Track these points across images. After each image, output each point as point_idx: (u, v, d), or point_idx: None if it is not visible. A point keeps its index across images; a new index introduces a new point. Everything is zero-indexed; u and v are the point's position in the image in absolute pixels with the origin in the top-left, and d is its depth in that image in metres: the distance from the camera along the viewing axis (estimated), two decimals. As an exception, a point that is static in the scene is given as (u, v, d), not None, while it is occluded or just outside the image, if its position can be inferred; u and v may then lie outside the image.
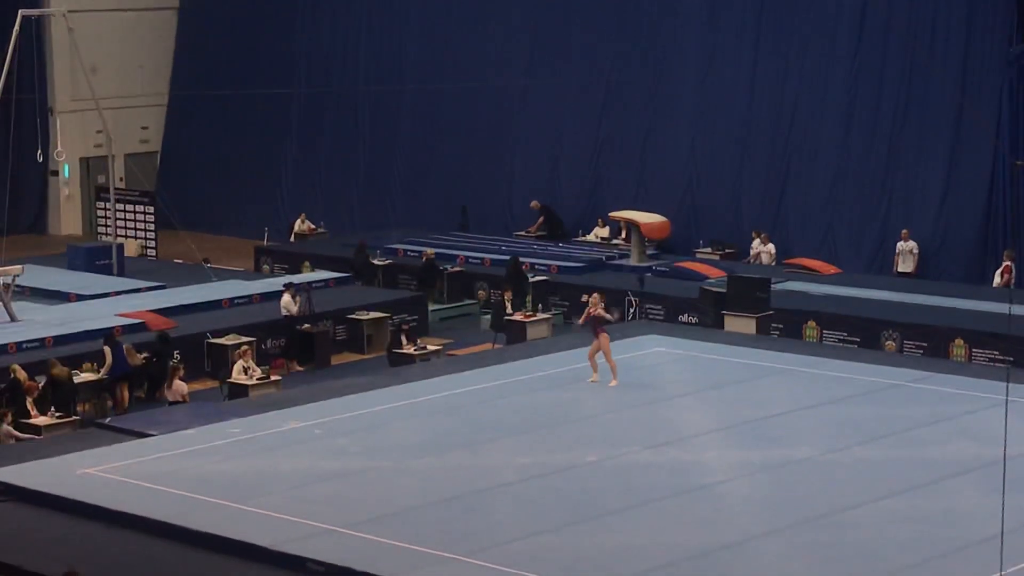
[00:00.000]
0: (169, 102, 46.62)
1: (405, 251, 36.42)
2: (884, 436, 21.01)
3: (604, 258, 34.84)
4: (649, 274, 32.65)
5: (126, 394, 26.15)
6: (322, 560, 16.44)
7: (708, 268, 32.87)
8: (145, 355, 27.12)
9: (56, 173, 44.14)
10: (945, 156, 33.84)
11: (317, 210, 41.59)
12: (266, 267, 37.56)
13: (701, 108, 37.44)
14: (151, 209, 39.52)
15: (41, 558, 17.01)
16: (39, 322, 28.92)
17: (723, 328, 28.51)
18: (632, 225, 34.93)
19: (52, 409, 24.24)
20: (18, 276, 30.23)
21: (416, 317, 31.43)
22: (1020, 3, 32.96)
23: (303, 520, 17.71)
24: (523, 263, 33.41)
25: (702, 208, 37.08)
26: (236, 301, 31.23)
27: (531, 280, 32.92)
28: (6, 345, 26.89)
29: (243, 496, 18.63)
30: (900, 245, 33.53)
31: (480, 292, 34.31)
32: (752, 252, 35.24)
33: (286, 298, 29.64)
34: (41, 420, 23.84)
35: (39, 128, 38.45)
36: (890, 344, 28.20)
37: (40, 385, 24.84)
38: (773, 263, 34.54)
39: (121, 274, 34.70)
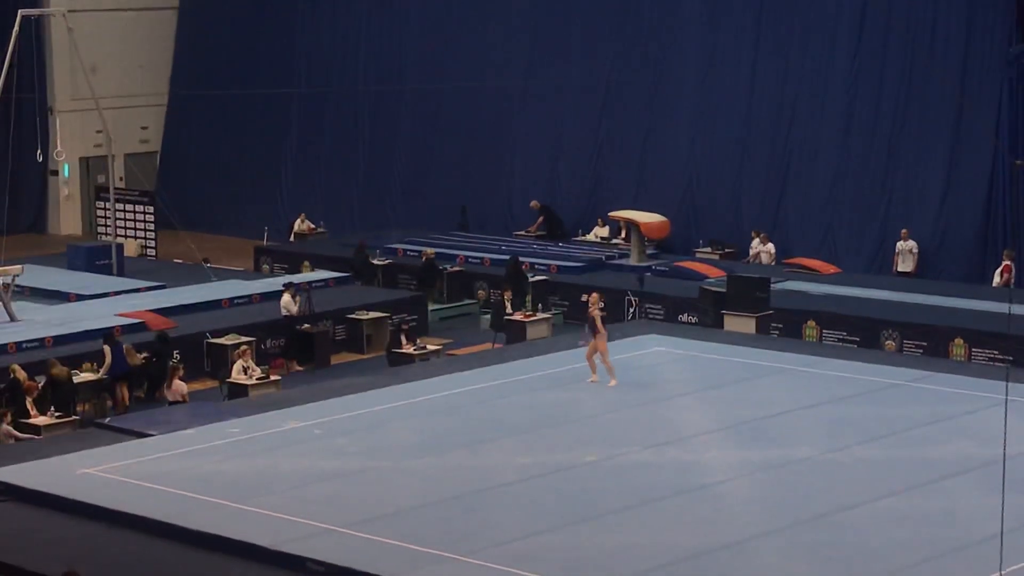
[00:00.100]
0: (169, 102, 46.63)
1: (405, 251, 36.42)
2: (884, 436, 21.01)
3: (604, 258, 34.84)
4: (649, 274, 32.66)
5: (125, 394, 26.14)
6: (322, 560, 16.43)
7: (708, 268, 32.87)
8: (145, 355, 27.12)
9: (56, 173, 44.15)
10: (945, 156, 33.85)
11: (317, 210, 41.59)
12: (266, 267, 37.56)
13: (701, 108, 37.45)
14: (151, 209, 39.51)
15: (41, 558, 17.01)
16: (39, 322, 28.92)
17: (723, 328, 28.51)
18: (632, 225, 34.94)
19: (52, 409, 24.23)
20: (18, 276, 30.24)
21: (416, 317, 31.43)
22: (1020, 3, 32.98)
23: (303, 520, 17.70)
24: (523, 263, 33.41)
25: (702, 208, 37.09)
26: (236, 301, 31.23)
27: (531, 280, 32.92)
28: (6, 345, 26.89)
29: (243, 496, 18.63)
30: (900, 245, 33.53)
31: (480, 292, 34.31)
32: (752, 252, 35.24)
33: (286, 298, 29.64)
34: (41, 420, 23.83)
35: (39, 128, 38.49)
36: (890, 344, 28.20)
37: (40, 385, 24.83)
38: (773, 263, 34.55)
39: (121, 274, 34.70)
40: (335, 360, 29.68)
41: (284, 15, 44.51)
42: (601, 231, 37.73)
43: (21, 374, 24.59)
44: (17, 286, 30.29)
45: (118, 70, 44.62)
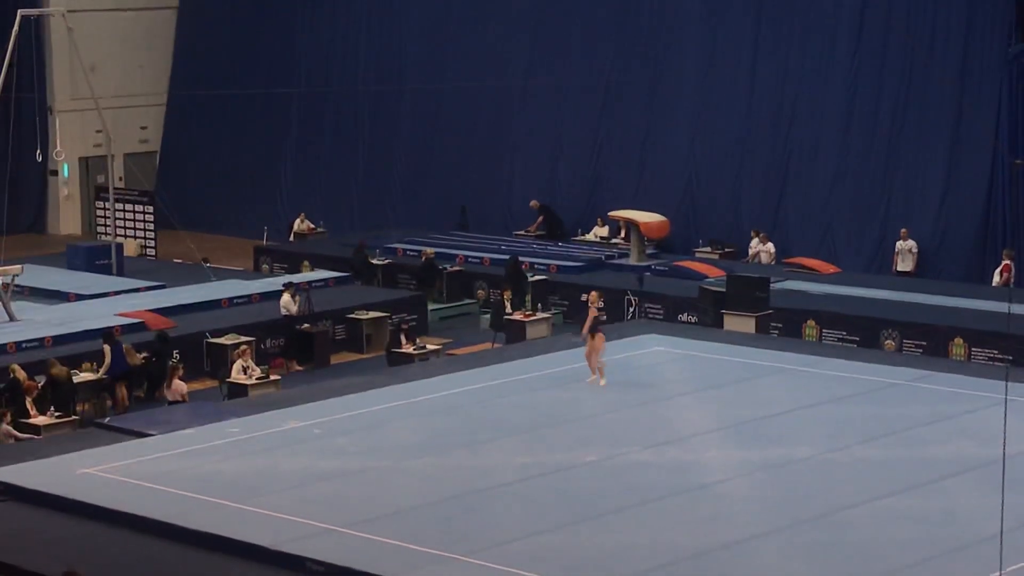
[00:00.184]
0: (168, 102, 46.63)
1: (404, 250, 36.43)
2: (883, 435, 21.00)
3: (603, 257, 34.85)
4: (648, 273, 32.66)
5: (124, 393, 26.12)
6: (322, 560, 16.43)
7: (707, 267, 32.87)
8: (144, 355, 27.12)
9: (55, 173, 44.14)
10: (944, 155, 33.86)
11: (316, 210, 41.59)
12: (265, 267, 37.57)
13: (701, 108, 37.46)
14: (150, 209, 39.52)
15: (41, 558, 17.00)
16: (38, 322, 28.93)
17: (722, 327, 28.50)
18: (631, 224, 34.94)
19: (51, 409, 24.23)
20: (17, 276, 30.26)
21: (415, 317, 31.43)
22: (1020, 3, 33.00)
23: (303, 520, 17.70)
24: (522, 262, 33.41)
25: (701, 207, 37.10)
26: (235, 301, 31.24)
27: (530, 279, 32.93)
28: (5, 345, 26.90)
29: (243, 496, 18.63)
30: (899, 244, 33.54)
31: (479, 291, 34.32)
32: (751, 251, 35.25)
33: (285, 298, 29.65)
34: (40, 420, 23.84)
35: (38, 128, 38.49)
36: (889, 343, 28.21)
37: (39, 385, 24.84)
38: (773, 262, 34.55)
39: (120, 274, 34.72)
40: (335, 360, 29.68)
41: (284, 15, 44.52)
42: (601, 231, 37.74)
43: (21, 374, 24.60)
44: (17, 286, 30.31)
45: (118, 70, 44.64)
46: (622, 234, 36.71)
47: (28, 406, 24.13)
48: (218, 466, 20.01)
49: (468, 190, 40.55)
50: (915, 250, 33.44)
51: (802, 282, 31.91)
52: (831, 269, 33.31)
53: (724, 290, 29.32)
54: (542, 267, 33.96)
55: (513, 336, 29.90)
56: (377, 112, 42.80)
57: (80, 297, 31.59)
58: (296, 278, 32.58)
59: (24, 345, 27.09)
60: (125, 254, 36.41)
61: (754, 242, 35.26)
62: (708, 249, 35.91)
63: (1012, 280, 31.15)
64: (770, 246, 35.02)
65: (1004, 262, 31.41)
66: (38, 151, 35.78)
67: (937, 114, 34.03)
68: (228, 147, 45.29)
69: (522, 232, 38.75)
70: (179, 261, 38.02)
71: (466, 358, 27.16)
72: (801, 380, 24.21)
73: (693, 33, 37.61)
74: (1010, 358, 26.03)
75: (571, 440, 21.03)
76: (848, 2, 35.20)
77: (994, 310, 28.38)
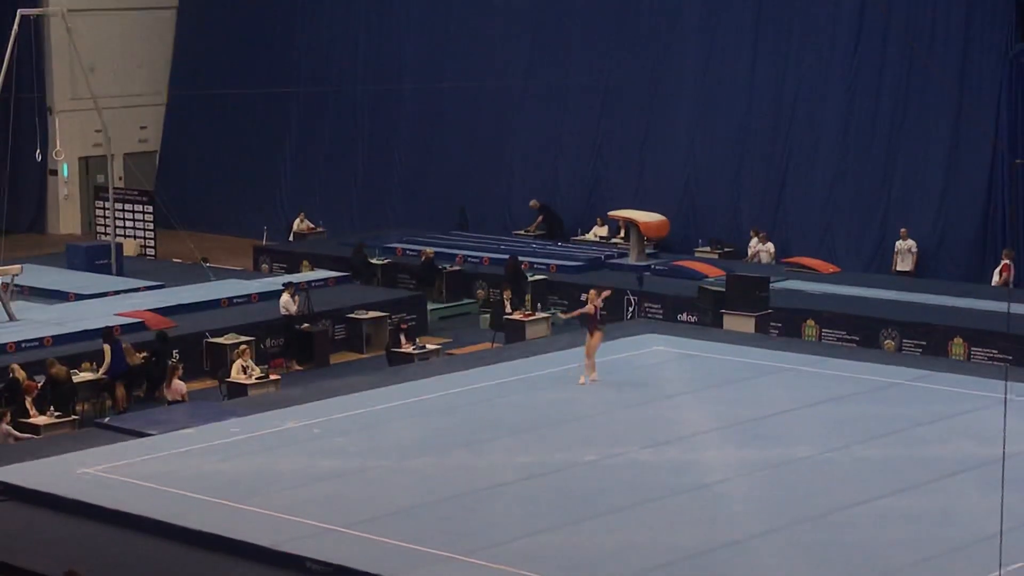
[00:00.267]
0: (168, 101, 46.64)
1: (404, 250, 36.43)
2: (883, 435, 21.01)
3: (603, 257, 34.85)
4: (648, 273, 32.67)
5: (122, 393, 26.10)
6: (322, 560, 16.44)
7: (707, 267, 32.88)
8: (144, 354, 27.12)
9: (55, 172, 44.14)
10: (944, 155, 33.87)
11: (316, 209, 41.58)
12: (265, 266, 37.57)
13: (700, 107, 37.47)
14: (150, 208, 39.52)
15: (41, 558, 17.01)
16: (38, 321, 28.92)
17: (722, 327, 28.51)
18: (631, 224, 34.94)
19: (51, 409, 24.23)
20: (17, 275, 30.26)
21: (415, 316, 31.42)
22: (1020, 3, 33.00)
23: (303, 520, 17.70)
24: (522, 262, 33.42)
25: (701, 207, 37.10)
26: (235, 300, 31.23)
27: (530, 279, 32.93)
28: (5, 344, 26.90)
29: (242, 496, 18.64)
30: (899, 244, 33.55)
31: (479, 291, 34.32)
32: (750, 250, 35.26)
33: (285, 297, 29.64)
34: (40, 420, 23.84)
35: (38, 127, 38.52)
36: (889, 343, 28.21)
37: (39, 385, 24.84)
38: (772, 262, 34.56)
39: (120, 273, 34.71)
40: (334, 360, 29.68)
41: (283, 15, 44.52)
42: (600, 230, 37.75)
43: (20, 374, 24.60)
44: (16, 286, 30.31)
45: (117, 70, 44.63)
46: (622, 234, 36.71)
47: (28, 406, 24.14)
48: (218, 466, 20.01)
49: (468, 190, 40.56)
50: (915, 250, 33.45)
51: (802, 282, 31.92)
52: (831, 269, 33.32)
53: (724, 290, 29.34)
54: (542, 267, 33.97)
55: (512, 336, 29.90)
56: (377, 112, 42.79)
57: (80, 297, 31.59)
58: (296, 278, 32.59)
59: (24, 345, 27.09)
60: (125, 254, 36.39)
61: (753, 242, 35.27)
62: (708, 249, 35.91)
63: (1011, 280, 31.15)
64: (770, 246, 35.03)
65: (1003, 262, 31.42)
66: (38, 151, 35.81)
67: (937, 114, 34.03)
68: (228, 147, 45.28)
69: (522, 232, 38.76)
70: (179, 261, 38.02)
71: (466, 358, 27.17)
72: (801, 380, 24.22)
73: (693, 33, 37.61)
74: (1010, 358, 26.06)
75: (571, 440, 21.04)
76: (847, 2, 35.21)
77: (993, 310, 28.39)
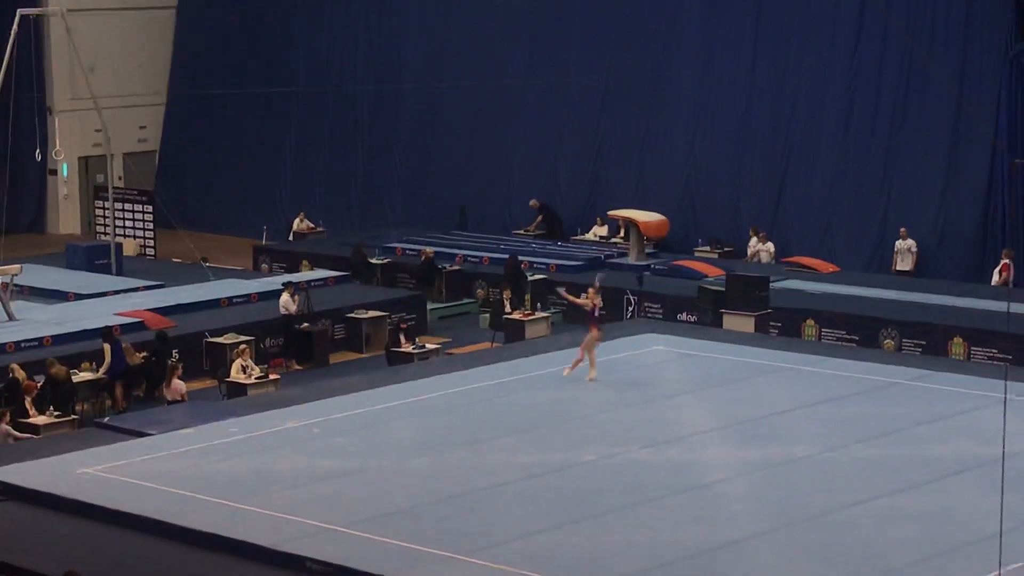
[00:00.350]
0: (168, 101, 46.63)
1: (404, 250, 36.43)
2: (883, 434, 21.01)
3: (603, 256, 34.84)
4: (648, 272, 32.66)
5: (121, 393, 26.10)
6: (322, 560, 16.44)
7: (707, 267, 32.88)
8: (144, 354, 27.11)
9: (55, 172, 44.13)
10: (944, 155, 33.88)
11: (316, 209, 41.58)
12: (265, 266, 37.57)
13: (700, 107, 37.47)
14: (149, 208, 39.51)
15: (41, 558, 17.01)
16: (38, 321, 28.92)
17: (722, 327, 28.51)
18: (631, 223, 34.94)
19: (51, 408, 24.23)
20: (16, 275, 30.25)
21: (415, 316, 31.42)
22: (1019, 3, 33.00)
23: (303, 520, 17.70)
24: (522, 262, 33.42)
25: (701, 207, 37.11)
26: (235, 300, 31.23)
27: (530, 279, 32.93)
28: (5, 344, 26.91)
29: (242, 495, 18.64)
30: (899, 244, 33.56)
31: (479, 291, 34.32)
32: (749, 250, 35.27)
33: (285, 297, 29.64)
34: (40, 419, 23.83)
35: (38, 127, 38.51)
36: (889, 343, 28.21)
37: (39, 384, 24.84)
38: (772, 262, 34.56)
39: (120, 273, 34.72)
40: (334, 359, 29.69)
41: (283, 15, 44.51)
42: (600, 230, 37.75)
43: (20, 373, 24.60)
44: (16, 285, 30.30)
45: (117, 69, 44.62)
46: (621, 233, 36.71)
47: (27, 406, 24.13)
48: (217, 466, 20.01)
49: (468, 190, 40.56)
50: (914, 249, 33.46)
51: (801, 281, 31.92)
52: (830, 268, 33.32)
53: (723, 289, 29.34)
54: (541, 266, 33.96)
55: (512, 335, 29.91)
56: (376, 112, 42.79)
57: (79, 297, 31.59)
58: (295, 277, 32.58)
59: (23, 345, 27.09)
60: (124, 254, 36.40)
61: (753, 241, 35.28)
62: (707, 248, 35.91)
63: (1011, 279, 31.16)
64: (769, 245, 35.04)
65: (1003, 261, 31.42)
66: (37, 151, 35.81)
67: (936, 113, 34.03)
68: (227, 147, 45.28)
69: (521, 231, 38.76)
70: (178, 260, 38.02)
71: (465, 357, 27.17)
72: (800, 379, 24.22)
73: (692, 33, 37.62)
74: (1009, 357, 26.06)
75: (570, 439, 21.04)
76: (847, 2, 35.20)
77: (993, 309, 28.39)
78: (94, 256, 35.31)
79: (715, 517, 17.91)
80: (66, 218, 45.03)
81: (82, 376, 25.94)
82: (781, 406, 22.57)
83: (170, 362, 26.41)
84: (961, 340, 27.40)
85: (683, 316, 30.64)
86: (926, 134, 34.17)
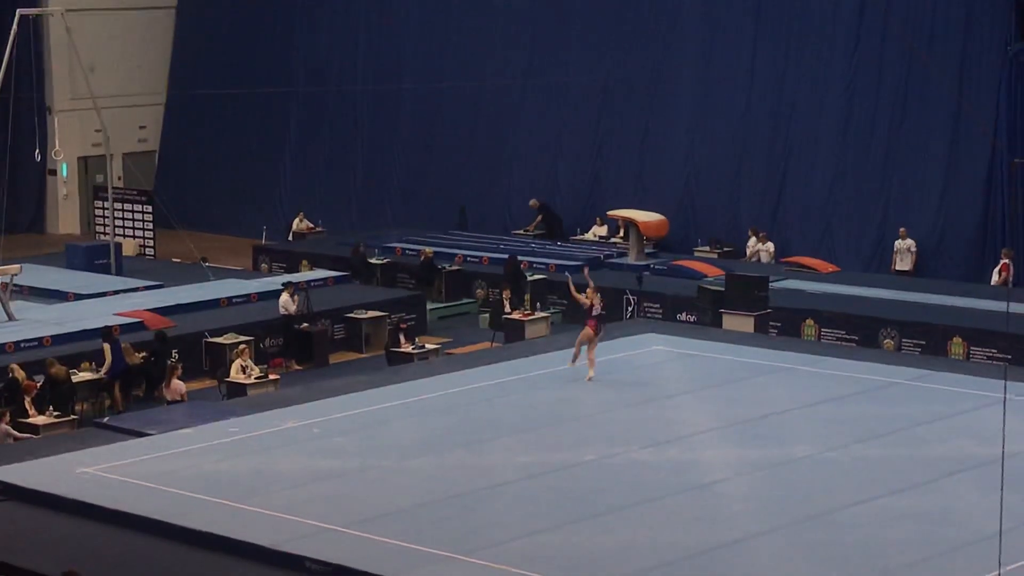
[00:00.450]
0: (167, 101, 46.63)
1: (403, 250, 36.43)
2: (883, 434, 21.01)
3: (602, 256, 34.83)
4: (647, 272, 32.67)
5: (119, 392, 26.09)
6: (322, 560, 16.44)
7: (706, 267, 32.88)
8: (143, 354, 27.11)
9: (54, 172, 44.12)
10: (943, 155, 33.87)
11: (315, 209, 41.58)
12: (264, 266, 37.57)
13: (699, 107, 37.47)
14: (149, 208, 39.51)
15: (40, 558, 17.00)
16: (37, 321, 28.91)
17: (721, 327, 28.51)
18: (630, 223, 34.94)
19: (50, 408, 24.23)
20: (16, 275, 30.24)
21: (414, 316, 31.41)
22: (1019, 3, 32.99)
23: (302, 520, 17.70)
24: (521, 262, 33.42)
25: (700, 207, 37.11)
26: (234, 300, 31.23)
27: (529, 279, 32.94)
28: (4, 344, 26.90)
29: (242, 495, 18.63)
30: (898, 243, 33.56)
31: (478, 291, 34.32)
32: (749, 250, 35.27)
33: (284, 297, 29.64)
34: (39, 419, 23.83)
35: (37, 127, 38.48)
36: (888, 342, 28.22)
37: (38, 384, 24.83)
38: (772, 262, 34.56)
39: (119, 273, 34.72)
40: (334, 359, 29.69)
41: (283, 15, 44.51)
42: (600, 230, 37.75)
43: (20, 373, 24.59)
44: (16, 285, 30.30)
45: (116, 69, 44.61)
46: (621, 233, 36.71)
47: (27, 406, 24.13)
48: (217, 466, 20.01)
49: (467, 190, 40.56)
50: (914, 249, 33.46)
51: (801, 281, 31.92)
52: (830, 268, 33.32)
53: (723, 289, 29.34)
54: (541, 266, 33.97)
55: (512, 335, 29.90)
56: (376, 112, 42.80)
57: (79, 297, 31.59)
58: (295, 277, 32.59)
59: (23, 345, 27.08)
60: (124, 254, 36.41)
61: (753, 241, 35.28)
62: (707, 248, 35.91)
63: (1011, 279, 31.16)
64: (769, 245, 35.04)
65: (1003, 261, 31.43)
66: (37, 151, 35.78)
67: (936, 113, 34.03)
68: (227, 147, 45.28)
69: (521, 231, 38.76)
70: (178, 261, 38.02)
71: (465, 357, 27.16)
72: (800, 379, 24.21)
73: (692, 33, 37.62)
74: (1009, 357, 26.05)
75: (570, 439, 21.04)
76: (847, 2, 35.20)
77: (993, 309, 28.40)
78: (94, 256, 35.32)
79: (715, 517, 17.91)
80: (66, 218, 45.03)
81: (82, 376, 25.94)
82: (781, 406, 22.57)
83: (170, 362, 26.40)
84: (961, 340, 27.40)
85: (683, 316, 30.65)
86: (926, 134, 34.17)
